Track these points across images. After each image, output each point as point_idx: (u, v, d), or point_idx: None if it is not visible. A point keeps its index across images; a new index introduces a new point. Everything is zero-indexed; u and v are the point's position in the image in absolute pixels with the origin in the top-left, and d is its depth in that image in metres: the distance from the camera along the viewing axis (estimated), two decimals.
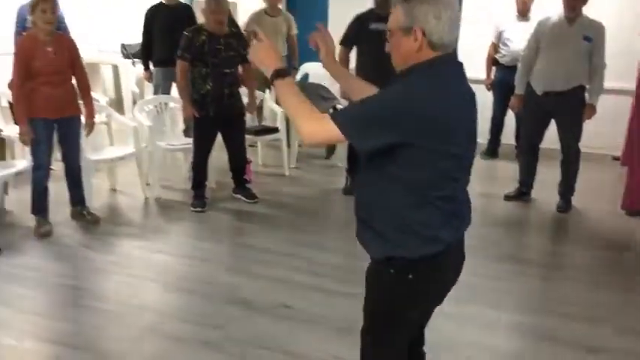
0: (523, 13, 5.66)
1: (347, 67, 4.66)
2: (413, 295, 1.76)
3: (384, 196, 1.69)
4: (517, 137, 5.68)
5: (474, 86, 1.78)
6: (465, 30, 6.34)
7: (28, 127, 3.74)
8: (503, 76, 5.67)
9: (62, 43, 3.85)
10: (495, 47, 5.85)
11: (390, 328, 1.83)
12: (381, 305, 1.81)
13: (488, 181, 5.57)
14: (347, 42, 4.68)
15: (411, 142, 1.58)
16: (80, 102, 4.04)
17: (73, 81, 3.97)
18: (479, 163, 5.85)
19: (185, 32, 4.31)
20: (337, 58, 2.17)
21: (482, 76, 5.91)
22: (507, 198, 4.91)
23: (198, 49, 4.23)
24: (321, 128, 1.63)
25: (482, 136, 6.14)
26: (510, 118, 5.90)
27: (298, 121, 1.66)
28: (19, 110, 3.77)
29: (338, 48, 4.67)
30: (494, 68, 5.96)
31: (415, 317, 1.87)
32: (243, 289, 3.34)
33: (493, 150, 6.19)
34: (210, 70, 4.26)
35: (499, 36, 5.80)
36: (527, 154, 4.80)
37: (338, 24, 4.87)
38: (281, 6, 6.41)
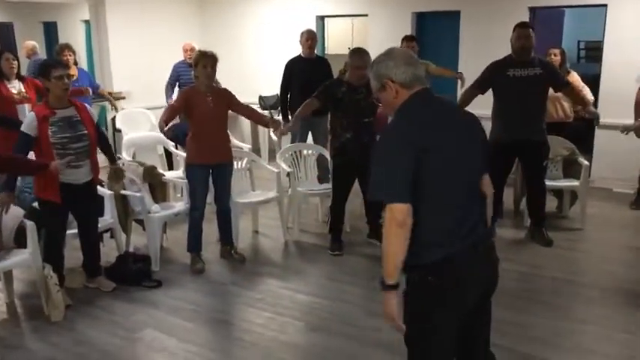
0: None
1: (466, 106, 4.59)
2: (435, 296, 1.98)
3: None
4: None
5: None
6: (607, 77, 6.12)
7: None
8: None
9: (220, 95, 4.24)
10: None
11: (423, 333, 2.03)
12: (412, 308, 2.04)
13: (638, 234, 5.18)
14: (479, 86, 4.68)
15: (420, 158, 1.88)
16: (234, 147, 4.38)
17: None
18: (626, 214, 5.48)
19: (325, 83, 4.57)
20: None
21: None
22: None
23: (338, 100, 4.44)
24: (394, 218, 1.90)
25: (631, 186, 5.79)
26: None
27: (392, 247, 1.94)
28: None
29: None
30: None
31: (447, 325, 2.00)
32: (385, 333, 3.36)
33: None
34: (350, 120, 4.44)
35: None
36: None
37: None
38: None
